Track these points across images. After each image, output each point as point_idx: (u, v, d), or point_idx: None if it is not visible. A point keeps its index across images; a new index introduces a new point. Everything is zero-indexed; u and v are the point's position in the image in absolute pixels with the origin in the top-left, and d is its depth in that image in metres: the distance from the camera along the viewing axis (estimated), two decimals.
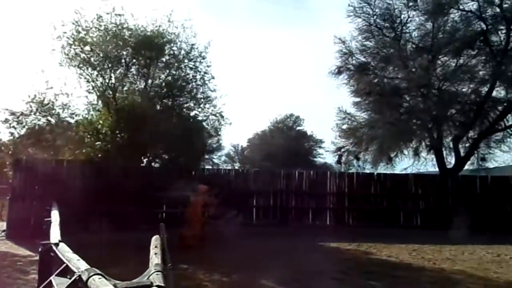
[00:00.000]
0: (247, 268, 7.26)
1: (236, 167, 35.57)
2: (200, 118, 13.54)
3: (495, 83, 15.41)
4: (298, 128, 35.51)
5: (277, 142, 34.15)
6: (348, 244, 10.34)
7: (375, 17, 16.80)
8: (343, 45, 17.61)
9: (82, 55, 11.73)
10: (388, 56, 16.82)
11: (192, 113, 13.45)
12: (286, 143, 33.57)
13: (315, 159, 34.77)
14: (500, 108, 15.73)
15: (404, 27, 16.56)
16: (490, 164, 17.44)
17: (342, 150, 18.59)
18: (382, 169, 17.55)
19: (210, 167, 25.13)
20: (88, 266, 2.30)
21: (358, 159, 18.21)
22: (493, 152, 16.88)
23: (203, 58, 13.22)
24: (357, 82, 17.33)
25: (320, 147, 33.92)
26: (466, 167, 16.93)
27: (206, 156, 27.03)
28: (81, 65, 11.84)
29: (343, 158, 18.83)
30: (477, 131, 16.21)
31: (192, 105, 13.28)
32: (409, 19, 16.41)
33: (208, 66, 13.34)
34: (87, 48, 11.68)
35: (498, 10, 15.06)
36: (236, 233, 10.56)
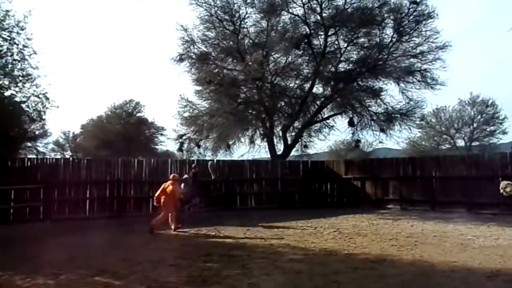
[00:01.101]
0: (78, 266, 6.61)
1: (67, 156, 32.13)
2: (18, 99, 11.60)
3: (315, 80, 17.84)
4: (138, 114, 34.04)
5: (115, 128, 32.08)
6: (188, 230, 10.49)
7: (216, 8, 17.35)
8: (185, 32, 17.68)
9: None
10: (228, 48, 17.63)
11: (7, 93, 11.41)
12: (125, 130, 31.88)
13: (156, 146, 34.07)
14: (318, 102, 18.31)
15: (242, 22, 17.58)
16: (311, 151, 20.30)
17: (184, 137, 18.72)
18: (221, 156, 18.45)
19: (34, 156, 21.98)
20: None
21: (199, 146, 18.64)
22: (313, 140, 19.71)
23: (22, 29, 11.35)
24: (198, 71, 17.64)
25: (161, 134, 33.38)
26: (292, 153, 19.24)
27: (29, 144, 23.50)
28: None
29: (185, 146, 18.99)
30: (301, 122, 18.53)
31: (7, 83, 11.26)
32: (247, 15, 17.53)
33: (28, 39, 11.53)
34: None
35: (319, 17, 17.36)
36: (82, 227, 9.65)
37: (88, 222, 12.12)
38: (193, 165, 13.54)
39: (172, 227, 10.22)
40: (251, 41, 17.93)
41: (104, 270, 6.29)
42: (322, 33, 17.67)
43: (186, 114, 18.19)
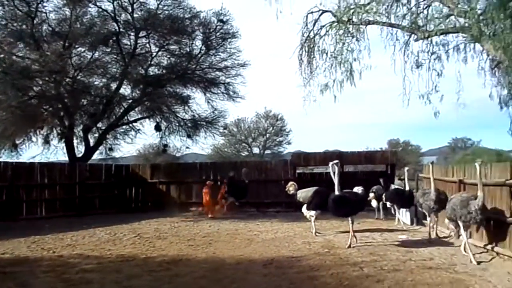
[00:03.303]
0: None
1: None
2: None
3: (123, 81, 17.17)
4: None
5: None
6: None
7: None
8: None
9: None
10: (19, 32, 15.15)
11: None
12: None
13: None
14: (125, 104, 17.69)
15: (40, 5, 15.40)
16: (117, 154, 19.38)
17: None
18: (6, 157, 15.77)
19: None
20: None
21: None
22: (119, 143, 18.87)
23: None
24: None
25: None
26: (95, 156, 17.96)
27: None
28: None
29: None
30: (106, 123, 17.51)
31: None
32: None
33: None
34: None
35: (129, 17, 16.82)
36: None
37: None
38: (230, 172, 15.17)
39: (210, 215, 13.89)
40: (50, 28, 15.90)
41: None
42: (132, 33, 17.20)
43: None
